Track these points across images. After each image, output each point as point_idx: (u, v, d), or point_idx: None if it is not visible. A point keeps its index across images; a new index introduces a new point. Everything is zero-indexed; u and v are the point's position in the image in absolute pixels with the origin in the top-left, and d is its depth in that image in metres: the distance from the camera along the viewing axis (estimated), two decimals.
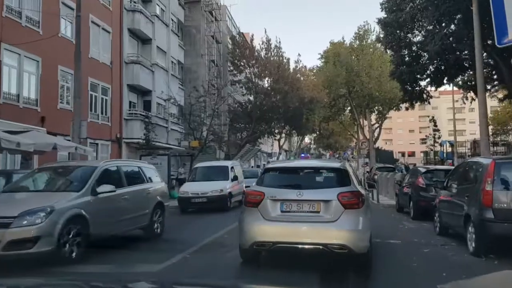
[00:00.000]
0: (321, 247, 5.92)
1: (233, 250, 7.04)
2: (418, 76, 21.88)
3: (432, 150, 40.40)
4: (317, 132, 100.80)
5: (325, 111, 58.77)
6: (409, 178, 13.62)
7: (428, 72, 21.29)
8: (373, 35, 45.71)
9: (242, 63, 37.25)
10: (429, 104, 23.56)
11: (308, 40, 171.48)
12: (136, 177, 9.24)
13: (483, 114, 13.35)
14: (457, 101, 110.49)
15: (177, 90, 29.01)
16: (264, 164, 69.57)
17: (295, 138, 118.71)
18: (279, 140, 73.72)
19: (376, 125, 50.79)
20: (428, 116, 37.60)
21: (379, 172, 26.27)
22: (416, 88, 22.55)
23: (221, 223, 11.82)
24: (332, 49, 47.35)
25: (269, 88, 37.23)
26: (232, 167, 17.00)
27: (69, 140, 14.63)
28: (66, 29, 19.28)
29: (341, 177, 6.48)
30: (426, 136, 37.30)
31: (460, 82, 26.46)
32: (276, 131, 42.57)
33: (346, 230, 5.89)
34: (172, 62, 29.59)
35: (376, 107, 49.87)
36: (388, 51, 23.49)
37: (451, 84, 28.04)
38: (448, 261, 6.69)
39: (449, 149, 45.81)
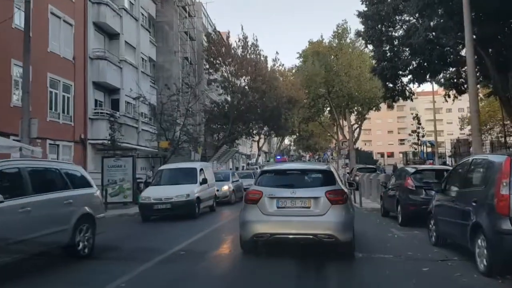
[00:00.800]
0: (311, 236, 6.85)
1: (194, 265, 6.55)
2: (400, 72, 20.94)
3: (416, 149, 39.50)
4: (297, 134, 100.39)
5: (304, 112, 57.95)
6: (395, 179, 12.39)
7: (410, 67, 20.34)
8: (351, 33, 45.14)
9: (218, 62, 35.85)
10: (412, 101, 22.60)
11: (287, 40, 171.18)
12: (50, 182, 7.22)
13: (475, 110, 12.31)
14: (434, 101, 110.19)
15: (149, 89, 27.41)
16: (243, 166, 68.31)
17: (275, 140, 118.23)
18: (258, 142, 72.78)
19: (356, 125, 50.05)
20: (413, 114, 36.52)
21: (360, 173, 25.20)
22: (398, 85, 21.59)
23: (186, 233, 10.41)
24: (311, 48, 46.45)
25: (246, 87, 35.90)
26: (201, 169, 15.39)
27: (18, 141, 13.03)
28: (21, 20, 17.54)
29: (327, 178, 7.46)
30: (409, 134, 36.24)
31: (442, 80, 25.56)
32: (254, 132, 41.23)
33: (333, 222, 6.81)
34: (143, 59, 27.97)
35: (356, 108, 49.15)
36: (369, 46, 22.50)
37: (433, 83, 27.19)
38: (455, 285, 5.41)
39: (429, 149, 45.40)
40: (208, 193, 15.35)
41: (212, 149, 34.44)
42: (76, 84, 21.25)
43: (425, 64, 18.97)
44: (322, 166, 8.62)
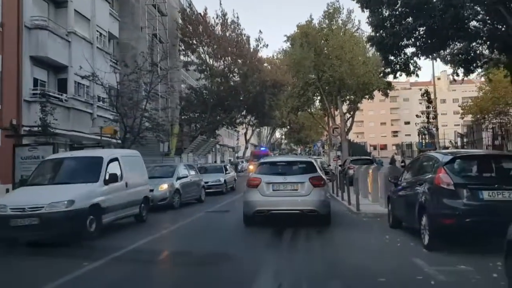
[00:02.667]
0: (299, 211, 9.38)
1: None
2: (403, 42, 17.17)
3: (426, 134, 35.32)
4: (288, 126, 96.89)
5: (293, 101, 54.24)
6: (412, 172, 8.44)
7: (415, 34, 16.53)
8: (343, 14, 41.35)
9: (194, 41, 31.92)
10: (417, 76, 18.83)
11: (274, 24, 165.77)
12: None
13: None
14: (427, 92, 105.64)
15: (108, 68, 23.33)
16: (230, 160, 64.20)
17: (265, 132, 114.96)
18: (245, 134, 69.20)
19: (348, 115, 46.36)
20: (421, 90, 31.73)
21: (354, 165, 21.48)
22: (400, 57, 17.81)
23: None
24: (299, 33, 42.41)
25: (225, 69, 31.98)
26: (112, 160, 10.28)
27: None
28: None
29: (310, 167, 10.02)
30: (417, 115, 31.93)
31: (448, 57, 21.75)
32: (237, 121, 37.28)
33: (315, 201, 9.31)
34: (100, 33, 23.91)
35: (348, 96, 45.46)
36: (365, 11, 18.59)
37: (437, 59, 23.33)
38: None
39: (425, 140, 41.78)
40: (126, 197, 10.58)
41: (188, 141, 30.59)
42: (4, 57, 17.22)
43: (435, 27, 15.17)
44: (307, 159, 11.65)
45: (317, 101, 58.70)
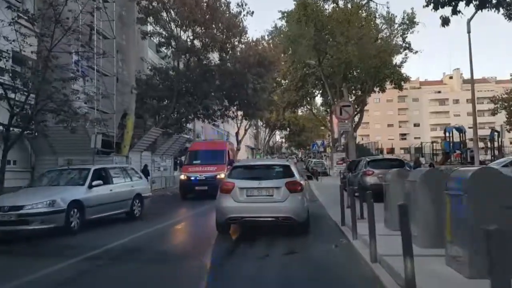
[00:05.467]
0: (274, 219, 8.59)
1: None
2: None
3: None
4: (287, 128, 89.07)
5: (289, 96, 46.49)
6: None
7: None
8: None
9: (153, 6, 24.20)
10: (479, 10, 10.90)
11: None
12: None
13: None
14: (439, 92, 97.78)
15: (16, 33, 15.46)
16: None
17: (262, 134, 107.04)
18: (237, 134, 61.47)
19: (357, 108, 38.34)
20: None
21: (373, 169, 13.57)
22: None
23: None
24: (297, 5, 34.48)
25: (195, 42, 24.17)
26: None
27: None
28: None
29: (287, 171, 9.23)
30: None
31: None
32: (217, 113, 29.04)
33: (291, 207, 8.56)
34: None
35: (355, 85, 37.64)
36: None
37: None
38: None
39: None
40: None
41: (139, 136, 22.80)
42: None
43: None
44: (283, 162, 10.87)
45: (318, 95, 51.13)
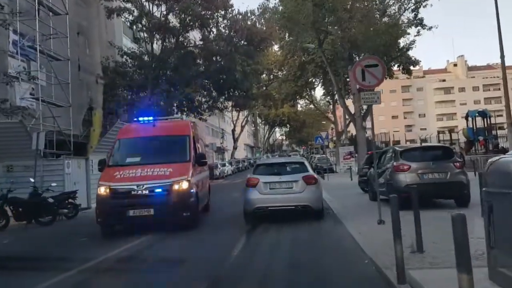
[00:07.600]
0: (294, 207, 10.18)
1: None
2: None
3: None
4: (287, 124, 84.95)
5: (288, 87, 42.34)
6: None
7: None
8: None
9: None
10: None
11: None
12: None
13: None
14: (444, 80, 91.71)
15: None
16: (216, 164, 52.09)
17: (262, 132, 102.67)
18: (233, 131, 57.41)
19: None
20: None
21: (409, 163, 9.44)
22: None
23: None
24: None
25: (168, 14, 20.00)
26: None
27: None
28: None
29: (303, 167, 10.85)
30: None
31: None
32: (203, 105, 24.79)
33: (308, 197, 10.05)
34: None
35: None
36: None
37: None
38: None
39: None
40: None
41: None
42: None
43: None
44: (300, 159, 13.09)
45: (319, 85, 46.96)
